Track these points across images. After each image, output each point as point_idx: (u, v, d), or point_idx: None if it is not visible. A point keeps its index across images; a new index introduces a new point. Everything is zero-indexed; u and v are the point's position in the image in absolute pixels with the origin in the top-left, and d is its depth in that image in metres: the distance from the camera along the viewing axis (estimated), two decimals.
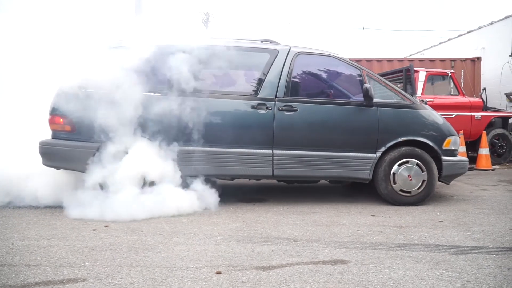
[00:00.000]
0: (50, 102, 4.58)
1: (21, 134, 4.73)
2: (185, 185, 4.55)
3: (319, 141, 4.72)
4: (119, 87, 4.46)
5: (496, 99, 11.81)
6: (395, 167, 4.79)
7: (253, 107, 4.64)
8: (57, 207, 4.47)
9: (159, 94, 4.58)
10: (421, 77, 8.86)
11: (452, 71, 9.50)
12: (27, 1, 4.69)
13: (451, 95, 9.06)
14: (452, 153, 4.99)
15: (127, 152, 4.43)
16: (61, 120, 4.55)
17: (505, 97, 11.70)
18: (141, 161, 4.36)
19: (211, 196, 4.59)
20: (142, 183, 4.44)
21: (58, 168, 4.63)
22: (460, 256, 3.08)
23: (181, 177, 4.55)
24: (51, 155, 4.57)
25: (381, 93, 4.99)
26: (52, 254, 3.06)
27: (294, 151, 4.67)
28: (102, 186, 4.40)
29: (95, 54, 4.51)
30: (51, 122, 4.61)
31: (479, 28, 14.26)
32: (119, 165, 4.36)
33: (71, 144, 4.54)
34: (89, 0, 4.68)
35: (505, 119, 9.60)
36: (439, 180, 5.00)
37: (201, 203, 4.50)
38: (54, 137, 4.63)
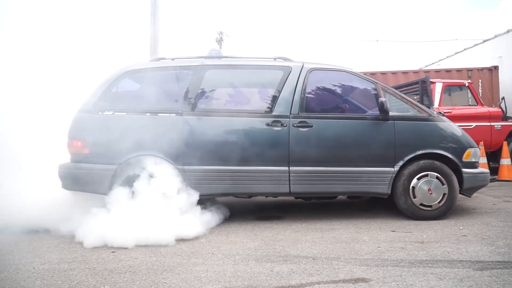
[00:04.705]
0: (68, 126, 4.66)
1: (37, 158, 4.77)
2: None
3: (335, 157, 4.68)
4: (135, 109, 4.53)
5: None
6: (414, 180, 4.71)
7: (268, 124, 4.64)
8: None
9: (174, 114, 4.63)
10: (438, 88, 8.75)
11: (469, 81, 9.34)
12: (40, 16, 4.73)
13: (469, 105, 8.90)
14: (473, 165, 4.89)
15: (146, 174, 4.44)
16: (79, 143, 4.62)
17: None
18: (160, 182, 4.36)
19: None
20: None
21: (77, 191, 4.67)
22: (485, 272, 2.99)
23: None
24: (71, 179, 4.62)
25: (397, 106, 4.95)
26: (73, 278, 3.09)
27: (310, 167, 4.64)
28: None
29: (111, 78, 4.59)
30: (70, 145, 4.68)
31: (495, 36, 14.08)
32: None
33: (91, 167, 4.58)
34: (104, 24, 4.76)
35: None
36: (460, 193, 4.90)
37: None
38: (73, 160, 4.70)
